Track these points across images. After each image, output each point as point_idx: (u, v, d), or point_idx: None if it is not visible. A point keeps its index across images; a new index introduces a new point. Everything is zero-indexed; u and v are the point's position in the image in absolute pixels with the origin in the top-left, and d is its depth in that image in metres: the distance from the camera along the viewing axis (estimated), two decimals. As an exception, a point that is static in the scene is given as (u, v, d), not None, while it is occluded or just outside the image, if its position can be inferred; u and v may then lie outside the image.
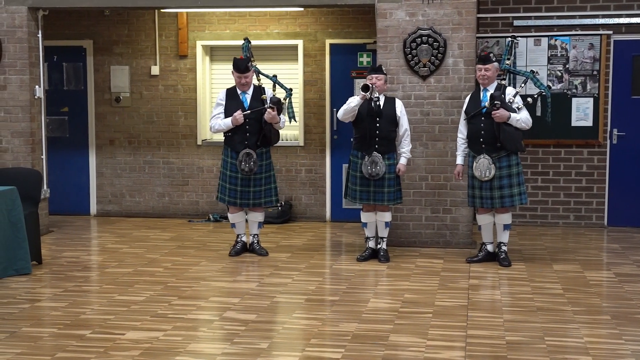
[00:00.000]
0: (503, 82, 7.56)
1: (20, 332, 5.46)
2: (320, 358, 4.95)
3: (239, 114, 7.71)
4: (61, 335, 5.39)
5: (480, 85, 7.61)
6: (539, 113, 9.28)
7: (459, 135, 7.70)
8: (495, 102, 7.28)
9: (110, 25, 10.47)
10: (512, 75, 8.97)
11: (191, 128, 10.41)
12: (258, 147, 7.85)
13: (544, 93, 7.65)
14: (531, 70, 7.81)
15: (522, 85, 7.64)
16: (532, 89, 8.49)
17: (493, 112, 7.30)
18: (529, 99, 7.58)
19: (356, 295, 6.53)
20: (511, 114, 7.33)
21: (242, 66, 7.74)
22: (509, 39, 7.73)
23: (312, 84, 10.14)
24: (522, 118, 7.39)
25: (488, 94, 7.45)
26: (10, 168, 8.64)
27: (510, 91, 7.51)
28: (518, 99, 7.46)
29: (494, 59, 7.58)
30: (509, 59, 7.63)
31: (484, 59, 7.51)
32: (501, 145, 7.39)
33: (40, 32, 9.15)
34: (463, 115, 7.66)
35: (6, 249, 7.02)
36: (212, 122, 7.93)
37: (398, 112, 7.65)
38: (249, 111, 7.77)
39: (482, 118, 7.45)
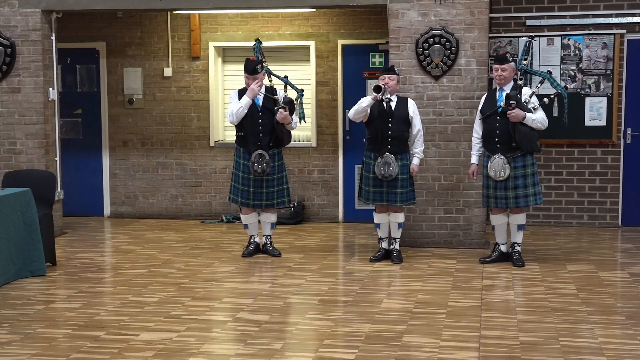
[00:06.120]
0: (520, 82, 7.53)
1: (35, 333, 5.49)
2: (333, 359, 4.95)
3: (255, 84, 7.67)
4: (75, 337, 5.41)
5: (496, 85, 7.59)
6: (555, 114, 9.24)
7: (474, 134, 7.67)
8: (511, 101, 7.26)
9: (123, 27, 10.51)
10: (528, 75, 8.94)
11: (204, 129, 10.43)
12: (270, 148, 7.86)
13: (560, 93, 7.62)
14: (548, 71, 7.78)
15: (539, 85, 7.61)
16: (549, 89, 8.39)
17: (508, 112, 7.28)
18: (545, 99, 7.54)
19: (369, 295, 6.52)
20: (527, 114, 7.30)
21: (250, 68, 7.74)
22: (527, 39, 7.69)
23: (325, 85, 10.15)
24: (537, 118, 7.35)
25: (504, 94, 7.42)
26: (24, 170, 8.68)
27: (526, 91, 7.48)
28: (534, 99, 7.43)
29: (510, 59, 7.55)
30: (526, 59, 7.59)
31: (500, 59, 7.48)
32: (516, 145, 7.36)
33: (53, 34, 9.19)
34: (478, 115, 7.64)
35: (21, 251, 7.05)
36: (228, 111, 7.87)
37: (410, 112, 7.64)
38: (264, 92, 7.76)
39: (498, 118, 7.42)
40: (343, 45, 10.07)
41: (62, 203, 9.55)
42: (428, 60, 8.32)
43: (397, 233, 7.82)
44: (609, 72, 9.48)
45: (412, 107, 7.68)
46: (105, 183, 10.68)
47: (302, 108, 8.32)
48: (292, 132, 8.08)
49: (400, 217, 7.78)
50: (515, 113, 7.26)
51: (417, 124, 7.67)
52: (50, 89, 9.15)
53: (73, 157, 10.50)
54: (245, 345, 5.21)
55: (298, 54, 10.24)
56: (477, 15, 8.25)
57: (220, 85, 10.53)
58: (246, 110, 7.73)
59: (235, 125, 7.90)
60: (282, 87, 8.07)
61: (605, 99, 9.51)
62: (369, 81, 9.86)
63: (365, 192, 7.73)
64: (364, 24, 10.00)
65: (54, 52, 9.22)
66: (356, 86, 9.96)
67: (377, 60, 9.97)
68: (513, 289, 6.78)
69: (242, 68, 7.91)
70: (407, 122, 7.64)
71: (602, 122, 9.54)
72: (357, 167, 9.63)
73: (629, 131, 9.60)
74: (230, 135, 10.24)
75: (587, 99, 9.55)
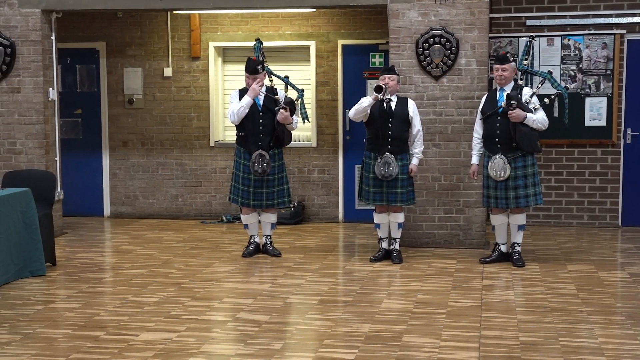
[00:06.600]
0: (520, 82, 7.53)
1: (35, 334, 5.49)
2: (333, 359, 4.95)
3: (256, 84, 7.67)
4: (75, 337, 5.41)
5: (497, 85, 7.59)
6: (556, 114, 9.24)
7: (475, 134, 7.67)
8: (512, 102, 7.25)
9: (123, 27, 10.51)
10: (529, 75, 8.94)
11: (204, 129, 10.43)
12: (271, 148, 7.86)
13: (561, 93, 7.62)
14: (548, 71, 7.78)
15: (539, 85, 7.61)
16: (549, 90, 8.38)
17: (509, 112, 7.27)
18: (546, 100, 7.53)
19: (369, 296, 6.52)
20: (527, 114, 7.30)
21: (250, 67, 7.74)
22: (527, 39, 7.69)
23: (325, 85, 10.15)
24: (538, 118, 7.35)
25: (505, 94, 7.42)
26: (24, 170, 8.68)
27: (527, 91, 7.48)
28: (535, 99, 7.43)
29: (511, 59, 7.55)
30: (526, 59, 7.59)
31: (501, 59, 7.48)
32: (517, 145, 7.36)
33: (53, 34, 9.19)
34: (479, 115, 7.64)
35: (21, 251, 7.05)
36: (229, 111, 7.87)
37: (410, 112, 7.64)
38: (265, 92, 7.77)
39: (498, 118, 7.42)
40: (343, 45, 10.07)
41: (62, 203, 9.54)
42: (428, 60, 8.32)
43: (397, 233, 7.82)
44: (609, 72, 9.47)
45: (412, 107, 7.68)
46: (105, 183, 10.68)
47: (305, 108, 8.32)
48: (292, 132, 8.08)
49: (400, 217, 7.78)
50: (515, 113, 7.26)
51: (417, 124, 7.67)
52: (50, 89, 9.14)
53: (73, 157, 10.50)
54: (245, 346, 5.21)
55: (298, 54, 10.24)
56: (477, 15, 8.25)
57: (221, 86, 10.53)
58: (247, 110, 7.73)
59: (236, 125, 7.90)
60: (283, 87, 8.08)
61: (605, 99, 9.51)
62: (369, 81, 9.87)
63: (365, 192, 7.73)
64: (364, 24, 10.00)
65: (54, 52, 9.22)
66: (356, 86, 9.96)
67: (377, 60, 9.97)
68: (513, 289, 6.77)
69: (243, 68, 7.91)
70: (407, 122, 7.64)
71: (602, 122, 9.54)
72: (357, 167, 9.62)
73: (629, 131, 9.59)
74: (230, 135, 10.24)
75: (587, 99, 9.55)
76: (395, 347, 5.14)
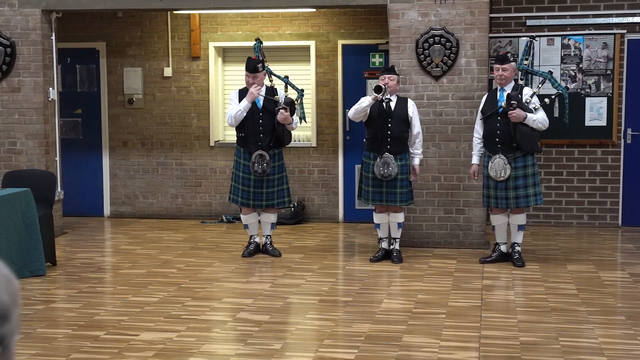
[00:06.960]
0: (520, 82, 7.52)
1: (35, 333, 5.48)
2: (333, 359, 4.95)
3: (254, 88, 7.68)
4: (75, 336, 5.41)
5: (497, 85, 7.59)
6: (556, 114, 9.24)
7: (475, 134, 7.67)
8: (512, 102, 7.25)
9: (123, 27, 10.51)
10: (529, 75, 8.93)
11: (204, 129, 10.43)
12: (271, 148, 7.86)
13: (561, 94, 7.62)
14: (549, 71, 7.78)
15: (540, 85, 7.61)
16: (549, 90, 8.37)
17: (509, 112, 7.27)
18: (547, 100, 7.53)
19: (369, 296, 6.52)
20: (527, 114, 7.30)
21: (250, 66, 7.75)
22: (528, 39, 7.68)
23: (325, 85, 10.14)
24: (538, 118, 7.35)
25: (505, 94, 7.42)
26: (24, 170, 8.68)
27: (527, 91, 7.48)
28: (535, 99, 7.43)
29: (511, 59, 7.55)
30: (527, 59, 7.59)
31: (501, 59, 7.47)
32: (517, 145, 7.36)
33: (53, 34, 9.19)
34: (479, 115, 7.64)
35: (21, 251, 7.05)
36: (227, 113, 7.88)
37: (410, 112, 7.64)
38: (264, 94, 7.77)
39: (499, 118, 7.42)
40: (343, 45, 10.07)
41: (62, 203, 9.54)
42: (428, 60, 8.32)
43: (397, 233, 7.82)
44: (609, 72, 9.47)
45: (412, 108, 7.68)
46: (105, 183, 10.68)
47: (303, 108, 8.33)
48: (292, 132, 8.08)
49: (400, 217, 7.78)
50: (516, 113, 7.26)
51: (416, 125, 7.67)
52: (50, 88, 9.14)
53: (73, 157, 10.49)
54: (245, 345, 5.20)
55: (298, 54, 10.24)
56: (477, 15, 8.25)
57: (220, 85, 10.53)
58: (245, 114, 7.76)
59: (236, 126, 7.91)
60: (283, 87, 8.08)
61: (605, 99, 9.51)
62: (369, 81, 9.86)
63: (364, 192, 7.73)
64: (364, 24, 10.00)
65: (54, 52, 9.22)
66: (356, 86, 9.96)
67: (377, 60, 9.96)
68: (513, 289, 6.77)
69: (243, 68, 7.91)
70: (407, 123, 7.64)
71: (603, 122, 9.54)
72: (357, 167, 9.61)
73: (629, 131, 9.59)
74: (230, 135, 10.23)
75: (588, 99, 9.55)
76: (395, 347, 5.14)
